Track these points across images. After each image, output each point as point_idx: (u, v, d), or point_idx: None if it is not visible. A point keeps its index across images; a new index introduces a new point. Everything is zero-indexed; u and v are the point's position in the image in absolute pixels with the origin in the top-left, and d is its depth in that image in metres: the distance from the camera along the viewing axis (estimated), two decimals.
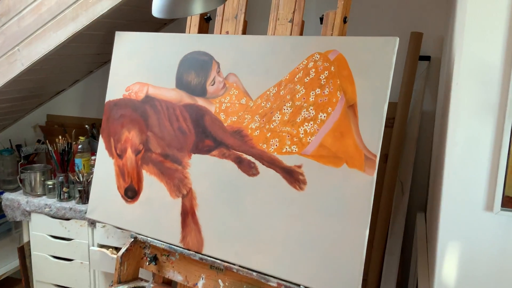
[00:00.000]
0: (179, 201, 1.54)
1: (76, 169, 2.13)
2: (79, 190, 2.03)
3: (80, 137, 2.17)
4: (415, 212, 1.99)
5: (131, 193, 1.66)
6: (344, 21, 1.35)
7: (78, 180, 2.02)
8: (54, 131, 2.54)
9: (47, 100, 2.58)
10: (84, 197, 2.02)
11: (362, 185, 1.24)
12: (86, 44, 2.02)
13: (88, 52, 2.17)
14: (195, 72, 1.55)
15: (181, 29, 1.68)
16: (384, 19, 1.95)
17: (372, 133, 1.24)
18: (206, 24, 1.66)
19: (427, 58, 1.92)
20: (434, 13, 1.90)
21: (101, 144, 1.75)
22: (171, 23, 2.24)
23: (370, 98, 1.25)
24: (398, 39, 1.24)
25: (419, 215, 1.92)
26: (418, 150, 1.95)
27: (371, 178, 1.23)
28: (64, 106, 2.59)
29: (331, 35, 1.36)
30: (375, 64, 1.26)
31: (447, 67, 1.47)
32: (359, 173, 1.25)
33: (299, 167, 1.34)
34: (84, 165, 2.13)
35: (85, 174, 2.02)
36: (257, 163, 1.41)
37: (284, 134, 1.37)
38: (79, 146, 2.15)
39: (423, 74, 1.92)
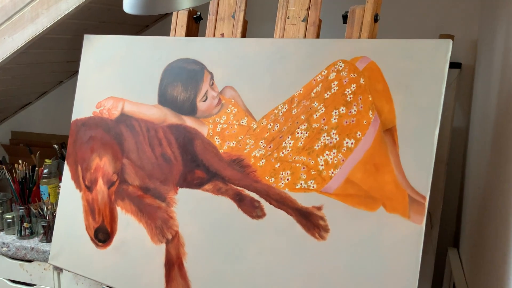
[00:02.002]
0: (162, 247, 1.22)
1: (42, 198, 1.78)
2: (43, 226, 1.69)
3: (46, 160, 1.83)
4: (445, 248, 1.69)
5: (102, 235, 1.33)
6: (375, 20, 1.04)
7: (41, 213, 1.68)
8: (19, 150, 2.19)
9: (11, 115, 2.24)
10: (49, 233, 1.68)
11: (406, 236, 0.93)
12: (51, 50, 1.69)
13: (55, 60, 1.83)
14: (183, 84, 1.23)
15: (166, 32, 1.37)
16: (407, 19, 1.65)
17: (418, 167, 0.93)
18: (195, 24, 1.34)
19: (457, 65, 1.62)
20: (466, 13, 1.61)
21: (66, 172, 1.42)
22: (153, 25, 1.92)
23: (414, 120, 0.95)
24: (451, 42, 0.93)
25: (450, 251, 1.61)
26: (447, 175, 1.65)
27: (419, 227, 0.92)
28: (30, 121, 2.25)
29: (359, 37, 1.05)
30: (421, 75, 0.95)
31: (493, 77, 1.17)
32: (401, 220, 0.94)
33: (319, 208, 1.02)
34: (50, 193, 1.79)
35: (50, 207, 1.68)
36: (263, 202, 1.09)
37: (298, 165, 1.06)
38: (45, 171, 1.81)
39: (453, 85, 1.63)
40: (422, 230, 0.92)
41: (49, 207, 1.69)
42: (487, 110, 1.24)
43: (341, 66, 1.03)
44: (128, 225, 1.28)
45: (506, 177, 0.96)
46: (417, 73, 0.95)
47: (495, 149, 1.11)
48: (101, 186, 1.34)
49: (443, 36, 1.57)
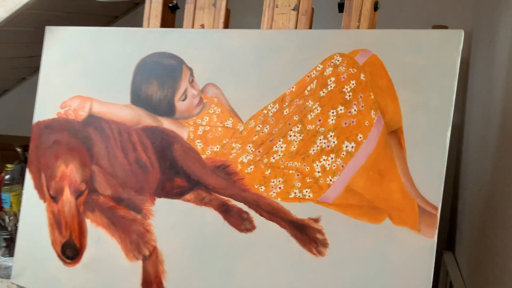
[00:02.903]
0: (139, 265, 1.09)
1: (4, 206, 1.62)
2: (4, 238, 1.52)
3: (8, 165, 1.66)
4: (439, 251, 1.60)
5: (70, 251, 1.19)
6: (375, 8, 0.93)
7: (2, 224, 1.51)
8: None
9: None
10: (12, 247, 1.52)
11: (416, 252, 0.83)
12: (9, 44, 1.52)
13: (16, 55, 1.66)
14: (158, 82, 1.10)
15: (138, 24, 1.24)
16: (399, 10, 1.55)
17: (429, 173, 0.83)
18: (171, 14, 1.20)
19: None
20: (459, 3, 1.52)
21: (29, 181, 1.27)
22: (124, 16, 1.77)
23: (423, 120, 0.84)
24: (463, 33, 0.83)
25: (446, 255, 1.53)
26: None
27: (431, 242, 0.82)
28: None
29: (358, 27, 0.94)
30: (430, 70, 0.84)
31: (496, 72, 1.08)
32: (411, 233, 0.83)
33: (316, 220, 0.91)
34: (13, 202, 1.62)
35: (12, 217, 1.52)
36: (252, 213, 0.97)
37: (291, 172, 0.94)
38: (7, 176, 1.64)
39: None
40: (434, 245, 0.82)
41: (11, 217, 1.53)
42: (489, 107, 1.15)
43: (338, 60, 0.92)
44: (100, 240, 1.14)
45: None
46: (426, 68, 0.85)
47: (503, 151, 1.02)
48: (67, 196, 1.19)
49: (436, 27, 1.48)
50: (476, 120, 1.33)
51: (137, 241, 1.09)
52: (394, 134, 0.86)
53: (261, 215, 0.96)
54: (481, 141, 1.20)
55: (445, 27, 1.46)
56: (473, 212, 1.23)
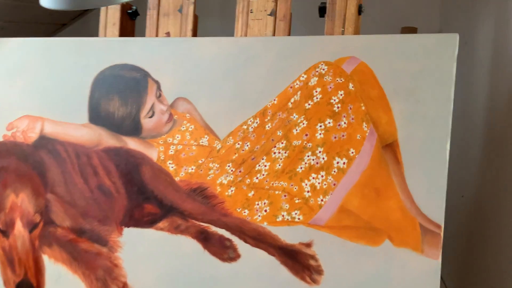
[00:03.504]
0: None
1: None
2: None
3: None
4: None
5: None
6: (359, 12, 0.86)
7: None
8: None
9: None
10: None
11: (420, 275, 0.76)
12: None
13: None
14: (120, 97, 0.98)
15: (88, 32, 1.11)
16: (365, 13, 1.50)
17: (429, 189, 0.77)
18: (131, 22, 1.09)
19: None
20: (426, 4, 1.49)
21: None
22: (72, 23, 1.62)
23: (420, 132, 0.78)
24: (458, 37, 0.78)
25: None
26: None
27: (436, 264, 0.76)
28: None
29: (342, 33, 0.87)
30: (424, 78, 0.79)
31: (478, 75, 1.05)
32: (413, 255, 0.77)
33: (308, 245, 0.83)
34: None
35: None
36: (236, 240, 0.88)
37: (277, 192, 0.86)
38: None
39: None
40: (439, 267, 0.76)
41: None
42: (471, 111, 1.11)
43: (323, 69, 0.84)
44: (60, 277, 1.01)
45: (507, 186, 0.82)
46: (420, 75, 0.79)
47: (488, 155, 0.99)
48: (20, 229, 1.05)
49: (405, 29, 1.44)
50: (456, 125, 1.30)
51: (104, 277, 0.97)
52: (389, 147, 0.80)
53: (245, 241, 0.87)
54: (462, 146, 1.17)
55: (415, 29, 1.43)
56: (458, 219, 1.20)
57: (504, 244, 0.91)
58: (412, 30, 1.45)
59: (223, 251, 0.89)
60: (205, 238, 0.90)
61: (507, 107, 0.90)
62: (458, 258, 1.17)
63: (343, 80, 0.83)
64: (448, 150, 0.76)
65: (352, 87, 0.82)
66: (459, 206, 1.16)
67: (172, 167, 0.93)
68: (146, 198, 0.95)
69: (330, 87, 0.84)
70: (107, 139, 0.99)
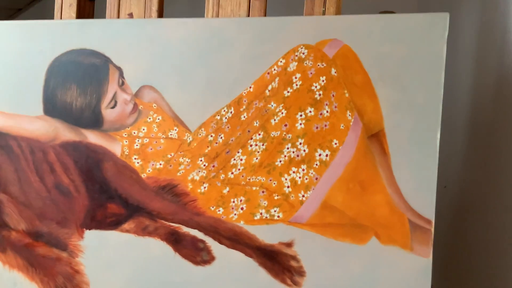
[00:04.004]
0: None
1: None
2: None
3: None
4: None
5: None
6: None
7: None
8: None
9: None
10: None
11: (410, 274, 0.71)
12: None
13: None
14: (79, 86, 0.88)
15: (46, 16, 1.01)
16: None
17: (419, 182, 0.72)
18: (89, 2, 0.98)
19: None
20: None
21: None
22: (29, 8, 1.49)
23: (408, 121, 0.72)
24: (448, 16, 0.72)
25: None
26: None
27: (426, 262, 0.71)
28: None
29: (323, 13, 0.80)
30: (412, 62, 0.73)
31: (460, 67, 1.00)
32: (402, 253, 0.72)
33: (289, 245, 0.77)
34: None
35: None
36: (210, 241, 0.81)
37: (255, 188, 0.78)
38: None
39: None
40: (430, 265, 0.70)
41: None
42: (455, 99, 1.07)
43: (303, 53, 0.77)
44: (16, 285, 0.91)
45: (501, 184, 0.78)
46: (407, 60, 0.73)
47: (476, 144, 0.94)
48: None
49: (383, 13, 1.39)
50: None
51: (64, 285, 0.88)
52: (375, 138, 0.74)
53: (220, 242, 0.80)
54: (445, 133, 1.12)
55: (393, 13, 1.38)
56: (439, 212, 1.16)
57: (490, 239, 0.87)
58: (390, 13, 1.39)
59: (196, 253, 0.81)
60: (176, 240, 0.82)
61: (493, 93, 0.86)
62: (440, 253, 1.13)
63: (324, 65, 0.76)
64: (438, 139, 0.71)
65: (335, 72, 0.76)
66: (442, 197, 1.12)
67: (138, 162, 0.85)
68: (109, 198, 0.86)
69: (311, 73, 0.77)
70: (65, 133, 0.89)
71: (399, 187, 0.72)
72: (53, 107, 0.90)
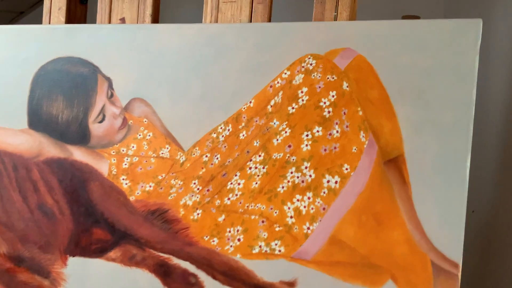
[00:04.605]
0: None
1: None
2: None
3: None
4: None
5: None
6: None
7: None
8: None
9: None
10: None
11: None
12: None
13: None
14: (66, 97, 0.81)
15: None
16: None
17: (444, 218, 0.61)
18: (81, 6, 0.91)
19: None
20: None
21: None
22: (30, 11, 1.43)
23: (433, 144, 0.62)
24: (481, 23, 0.61)
25: None
26: None
27: None
28: None
29: (335, 18, 0.70)
30: (438, 75, 0.62)
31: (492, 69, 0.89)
32: None
33: (291, 285, 0.67)
34: None
35: None
36: (202, 276, 0.71)
37: (254, 217, 0.69)
38: None
39: None
40: None
41: None
42: (486, 113, 0.95)
43: (311, 64, 0.67)
44: None
45: None
46: (433, 72, 0.62)
47: (508, 166, 0.83)
48: None
49: (407, 18, 1.27)
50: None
51: None
52: (393, 163, 0.63)
53: (214, 278, 0.70)
54: (474, 153, 1.01)
55: (417, 18, 1.26)
56: (466, 238, 1.04)
57: None
58: (414, 18, 1.28)
59: None
60: (165, 272, 0.73)
61: None
62: (469, 282, 1.01)
63: (335, 77, 0.66)
64: (468, 167, 0.60)
65: (347, 86, 0.66)
66: (469, 223, 1.00)
67: (126, 183, 0.76)
68: (95, 222, 0.78)
69: (319, 87, 0.67)
70: (49, 148, 0.82)
71: (421, 222, 0.61)
72: (38, 120, 0.83)
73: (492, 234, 0.91)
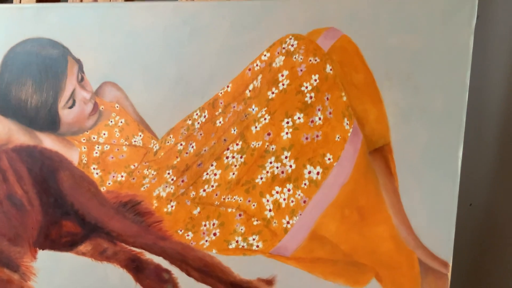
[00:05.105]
0: None
1: None
2: None
3: None
4: None
5: None
6: None
7: None
8: None
9: None
10: None
11: None
12: None
13: None
14: (34, 81, 0.76)
15: None
16: None
17: (433, 212, 0.56)
18: None
19: None
20: None
21: None
22: None
23: (422, 131, 0.57)
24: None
25: None
26: None
27: None
28: None
29: None
30: (428, 57, 0.57)
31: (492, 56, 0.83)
32: None
33: (269, 283, 0.62)
34: None
35: None
36: (176, 272, 0.67)
37: (231, 210, 0.64)
38: None
39: None
40: None
41: None
42: (483, 102, 0.89)
43: (292, 45, 0.62)
44: None
45: None
46: (423, 54, 0.57)
47: (507, 156, 0.78)
48: None
49: None
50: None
51: None
52: (379, 153, 0.58)
53: (188, 274, 0.66)
54: (470, 143, 0.95)
55: None
56: (463, 233, 0.99)
57: None
58: None
59: (160, 285, 0.68)
60: (137, 268, 0.69)
61: None
62: (465, 278, 0.97)
63: (318, 60, 0.61)
64: (460, 158, 0.55)
65: (330, 69, 0.60)
66: (466, 217, 0.95)
67: (97, 173, 0.72)
68: (65, 213, 0.73)
69: (301, 70, 0.62)
70: (19, 135, 0.77)
71: (408, 217, 0.57)
72: (7, 105, 0.78)
73: (490, 230, 0.86)
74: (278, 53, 0.63)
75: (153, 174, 0.69)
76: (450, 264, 0.55)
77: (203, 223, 0.66)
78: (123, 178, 0.70)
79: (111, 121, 0.72)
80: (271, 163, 0.63)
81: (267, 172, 0.63)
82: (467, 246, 0.89)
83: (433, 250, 0.56)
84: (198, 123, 0.67)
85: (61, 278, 0.73)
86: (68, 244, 0.74)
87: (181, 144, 0.68)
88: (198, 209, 0.66)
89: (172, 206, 0.67)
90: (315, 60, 0.61)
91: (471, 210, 0.92)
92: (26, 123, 0.77)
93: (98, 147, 0.72)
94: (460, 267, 0.85)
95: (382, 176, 0.58)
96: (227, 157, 0.65)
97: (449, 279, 0.54)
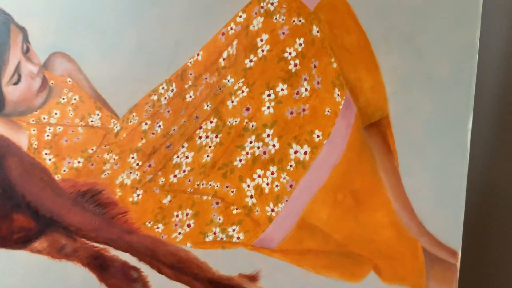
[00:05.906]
0: None
1: None
2: None
3: None
4: None
5: None
6: None
7: None
8: None
9: None
10: None
11: None
12: None
13: None
14: None
15: None
16: None
17: (439, 194, 0.49)
18: None
19: None
20: None
21: None
22: None
23: (425, 101, 0.49)
24: None
25: None
26: None
27: None
28: None
29: None
30: (431, 16, 0.48)
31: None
32: None
33: (253, 278, 0.55)
34: None
35: None
36: (146, 270, 0.59)
37: (206, 198, 0.56)
38: None
39: None
40: None
41: None
42: (484, 72, 0.83)
43: (272, 4, 0.53)
44: None
45: None
46: (426, 12, 0.49)
47: (506, 134, 0.71)
48: None
49: None
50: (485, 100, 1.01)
51: None
52: (376, 128, 0.51)
53: (160, 271, 0.58)
54: (483, 116, 0.89)
55: None
56: (474, 217, 0.94)
57: None
58: None
59: (127, 285, 0.60)
60: (101, 266, 0.61)
61: None
62: (475, 269, 0.92)
63: (302, 21, 0.52)
64: (470, 131, 0.48)
65: (317, 32, 0.52)
66: (477, 199, 0.90)
67: (49, 159, 0.62)
68: (16, 206, 0.64)
69: (283, 33, 0.53)
70: None
71: (410, 200, 0.49)
72: None
73: (503, 213, 0.81)
74: (255, 13, 0.54)
75: (114, 159, 0.60)
76: (459, 253, 0.48)
77: (175, 213, 0.57)
78: (80, 164, 0.61)
79: (63, 98, 0.62)
80: (251, 142, 0.54)
81: (247, 153, 0.54)
82: (478, 232, 0.83)
83: (440, 237, 0.49)
84: (165, 98, 0.58)
85: (15, 279, 0.64)
86: (21, 241, 0.64)
87: (146, 123, 0.58)
88: (169, 197, 0.58)
89: (138, 195, 0.59)
90: (299, 21, 0.52)
91: (482, 191, 0.86)
92: None
93: (49, 129, 0.62)
94: (470, 256, 0.79)
95: (380, 154, 0.50)
96: (200, 137, 0.56)
97: (458, 269, 0.48)
